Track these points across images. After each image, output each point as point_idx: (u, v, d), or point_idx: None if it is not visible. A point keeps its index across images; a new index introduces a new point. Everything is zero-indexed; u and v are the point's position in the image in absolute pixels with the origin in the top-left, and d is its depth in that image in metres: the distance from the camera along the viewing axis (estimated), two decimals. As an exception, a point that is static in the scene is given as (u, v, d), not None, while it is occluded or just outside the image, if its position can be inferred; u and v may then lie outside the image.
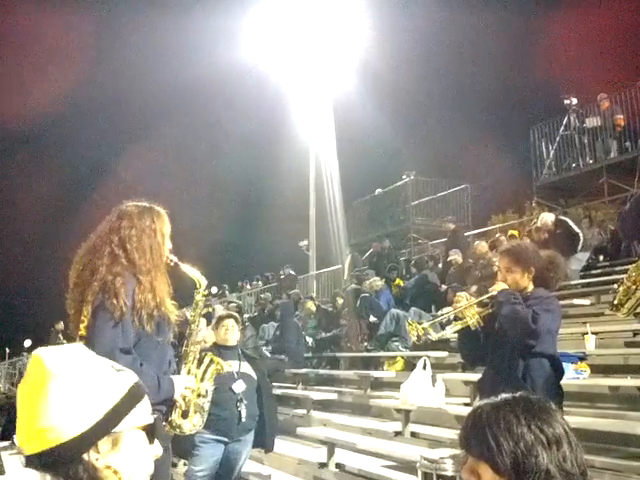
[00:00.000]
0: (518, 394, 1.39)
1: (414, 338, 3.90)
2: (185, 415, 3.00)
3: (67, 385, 1.25)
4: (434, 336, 4.00)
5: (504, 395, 1.39)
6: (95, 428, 1.24)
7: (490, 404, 1.38)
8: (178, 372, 3.00)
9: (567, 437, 1.33)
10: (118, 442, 1.28)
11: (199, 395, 3.07)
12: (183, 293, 3.09)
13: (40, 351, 1.30)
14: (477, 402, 1.45)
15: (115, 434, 1.28)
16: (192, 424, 3.03)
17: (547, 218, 10.54)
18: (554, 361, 3.54)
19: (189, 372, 3.06)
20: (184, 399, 2.94)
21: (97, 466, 1.26)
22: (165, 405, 2.86)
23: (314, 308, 13.13)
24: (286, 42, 18.58)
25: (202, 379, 3.22)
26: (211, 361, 3.49)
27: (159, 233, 2.91)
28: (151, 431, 1.36)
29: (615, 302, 3.82)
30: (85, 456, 1.25)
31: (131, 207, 2.95)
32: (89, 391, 1.26)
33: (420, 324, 3.90)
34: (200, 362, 3.24)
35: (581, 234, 10.19)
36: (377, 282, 11.63)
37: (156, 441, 1.38)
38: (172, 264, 2.99)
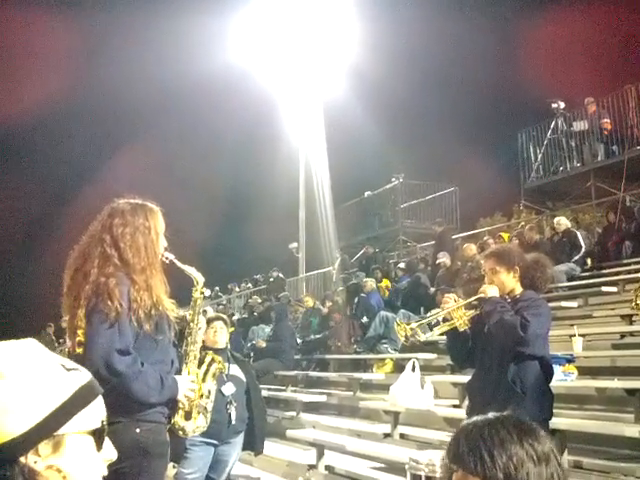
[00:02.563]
0: (506, 413, 1.42)
1: (402, 339, 3.93)
2: (188, 416, 2.92)
3: (10, 384, 1.16)
4: (422, 337, 4.03)
5: (493, 413, 1.41)
6: (36, 429, 1.15)
7: (481, 420, 1.41)
8: (180, 372, 2.93)
9: (554, 455, 1.38)
10: (60, 446, 1.19)
11: (202, 396, 2.99)
12: (180, 292, 3.04)
13: None
14: (466, 420, 1.46)
15: (57, 437, 1.18)
16: (196, 425, 2.96)
17: (562, 222, 10.91)
18: (544, 364, 3.55)
19: (190, 372, 2.98)
20: (187, 399, 2.86)
21: (36, 469, 1.16)
22: (168, 406, 2.79)
23: (311, 303, 13.14)
24: (277, 46, 18.58)
25: (204, 379, 3.13)
26: (212, 360, 3.43)
27: (153, 230, 2.82)
28: (100, 436, 1.25)
29: (638, 302, 3.87)
30: (22, 459, 1.15)
31: (123, 204, 2.86)
32: (32, 390, 1.17)
33: (408, 324, 3.93)
34: (201, 362, 3.16)
35: (584, 249, 10.33)
36: (370, 283, 11.66)
37: (110, 445, 1.29)
38: (168, 262, 2.90)
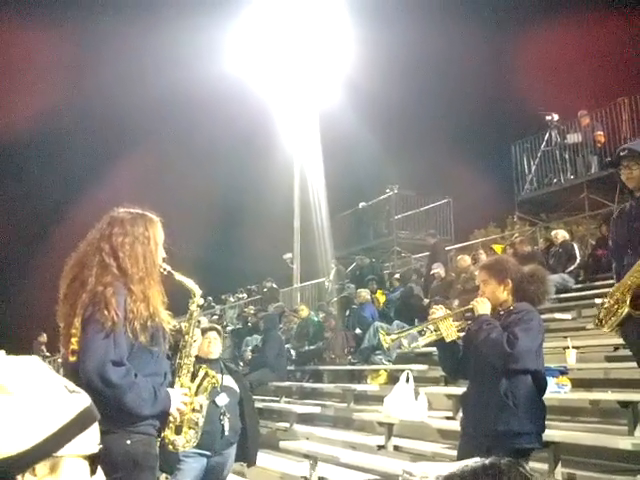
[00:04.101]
0: (488, 462, 1.31)
1: (385, 345, 3.99)
2: (178, 431, 2.90)
3: (14, 400, 1.17)
4: (406, 346, 4.10)
5: (474, 464, 1.32)
6: (35, 449, 1.16)
7: (459, 475, 1.32)
8: (172, 385, 2.91)
9: None
10: (57, 467, 1.20)
11: (193, 410, 2.95)
12: (177, 303, 3.02)
13: None
14: (445, 474, 1.40)
15: (55, 458, 1.19)
16: (186, 440, 2.93)
17: (560, 234, 10.97)
18: (537, 377, 3.53)
19: (182, 385, 2.95)
20: (179, 413, 2.83)
21: None
22: (159, 419, 2.77)
23: (306, 313, 13.16)
24: (273, 56, 18.65)
25: (196, 393, 3.11)
26: (206, 374, 3.40)
27: (152, 241, 2.81)
28: (94, 461, 1.27)
29: (599, 318, 3.91)
30: (19, 477, 1.16)
31: (123, 213, 2.84)
32: (35, 409, 1.18)
33: (389, 335, 4.00)
34: (194, 375, 3.13)
35: (579, 260, 10.37)
36: (363, 294, 11.66)
37: (100, 472, 1.30)
38: (165, 273, 2.89)
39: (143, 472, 2.67)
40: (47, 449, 1.18)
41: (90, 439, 1.27)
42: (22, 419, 1.17)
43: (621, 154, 4.04)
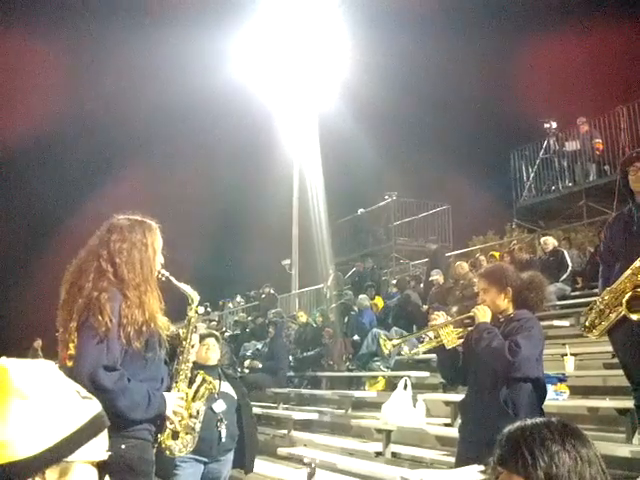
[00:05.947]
0: (554, 418, 1.43)
1: (386, 351, 4.01)
2: (175, 436, 2.90)
3: (28, 403, 1.18)
4: (407, 351, 4.13)
5: (539, 418, 1.43)
6: (47, 453, 1.17)
7: (527, 423, 1.43)
8: (170, 390, 2.91)
9: (598, 460, 1.39)
10: (67, 473, 1.20)
11: (190, 415, 2.96)
12: (175, 309, 3.02)
13: (6, 362, 1.23)
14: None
15: (65, 464, 1.20)
16: (182, 445, 2.94)
17: (550, 242, 10.95)
18: (537, 385, 3.52)
19: (180, 391, 2.96)
20: (177, 415, 2.83)
21: None
22: (155, 424, 2.77)
23: (305, 319, 13.14)
24: (272, 63, 18.69)
25: (193, 399, 3.11)
26: (203, 380, 3.41)
27: (150, 247, 2.84)
28: (103, 468, 1.28)
29: (587, 324, 3.88)
30: None
31: (122, 220, 2.88)
32: (49, 413, 1.19)
33: (390, 340, 4.03)
34: (191, 381, 3.14)
35: (571, 268, 10.35)
36: (362, 300, 11.65)
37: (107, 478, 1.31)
38: (164, 279, 2.91)
39: (138, 477, 2.67)
40: (59, 454, 1.19)
41: (100, 446, 1.27)
42: (36, 423, 1.18)
43: (634, 154, 4.11)
